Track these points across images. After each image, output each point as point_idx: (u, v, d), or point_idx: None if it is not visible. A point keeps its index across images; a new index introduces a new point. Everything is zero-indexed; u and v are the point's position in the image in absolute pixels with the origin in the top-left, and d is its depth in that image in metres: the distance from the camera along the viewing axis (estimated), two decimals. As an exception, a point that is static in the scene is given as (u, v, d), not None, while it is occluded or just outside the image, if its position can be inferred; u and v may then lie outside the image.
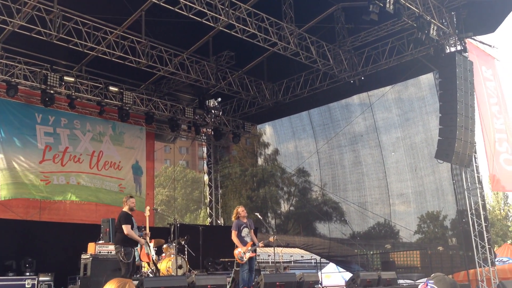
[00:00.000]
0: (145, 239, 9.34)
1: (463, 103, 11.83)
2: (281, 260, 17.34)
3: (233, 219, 9.77)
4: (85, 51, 12.49)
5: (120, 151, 16.60)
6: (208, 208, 19.82)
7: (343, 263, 17.95)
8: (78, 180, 15.32)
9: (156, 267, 10.35)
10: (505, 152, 13.29)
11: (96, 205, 15.64)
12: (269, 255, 23.29)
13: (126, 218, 8.76)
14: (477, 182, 12.95)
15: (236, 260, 9.60)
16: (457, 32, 12.75)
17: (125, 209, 8.94)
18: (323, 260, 18.98)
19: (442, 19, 12.46)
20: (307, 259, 24.28)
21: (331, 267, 20.02)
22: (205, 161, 20.31)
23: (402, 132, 15.92)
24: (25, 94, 14.25)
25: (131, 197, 9.23)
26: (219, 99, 18.59)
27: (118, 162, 16.45)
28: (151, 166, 17.97)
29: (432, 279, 3.23)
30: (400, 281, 13.29)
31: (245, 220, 9.65)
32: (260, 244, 9.82)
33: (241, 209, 9.72)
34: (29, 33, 11.33)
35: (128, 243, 8.65)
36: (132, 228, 8.74)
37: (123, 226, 8.63)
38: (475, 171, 12.95)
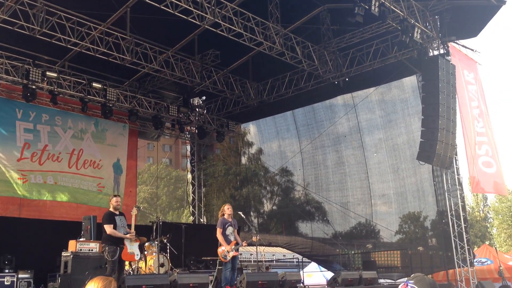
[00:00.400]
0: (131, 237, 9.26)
1: (445, 106, 11.99)
2: (263, 259, 17.36)
3: (219, 216, 9.79)
4: (69, 46, 12.33)
5: (102, 148, 16.39)
6: (191, 206, 19.76)
7: (324, 263, 18.05)
8: (55, 179, 15.07)
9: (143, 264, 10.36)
10: (485, 155, 13.51)
11: (76, 203, 15.47)
12: (251, 254, 23.37)
13: (108, 218, 8.77)
14: (457, 183, 13.15)
15: (219, 259, 9.60)
16: (441, 35, 12.92)
17: (110, 208, 8.94)
18: (305, 259, 19.08)
19: (426, 22, 12.62)
20: (289, 258, 24.35)
21: (313, 266, 20.12)
22: (188, 159, 20.23)
23: (385, 133, 16.08)
24: (6, 89, 14.03)
25: (115, 196, 9.20)
26: (204, 98, 18.54)
27: (99, 160, 16.23)
28: (134, 164, 17.80)
29: (412, 279, 3.30)
30: (381, 281, 13.44)
31: (230, 219, 9.67)
32: (244, 244, 9.86)
33: (227, 207, 9.75)
34: (11, 27, 11.15)
35: (112, 242, 8.65)
36: (115, 227, 8.70)
37: (105, 226, 8.70)
38: (456, 173, 13.15)
